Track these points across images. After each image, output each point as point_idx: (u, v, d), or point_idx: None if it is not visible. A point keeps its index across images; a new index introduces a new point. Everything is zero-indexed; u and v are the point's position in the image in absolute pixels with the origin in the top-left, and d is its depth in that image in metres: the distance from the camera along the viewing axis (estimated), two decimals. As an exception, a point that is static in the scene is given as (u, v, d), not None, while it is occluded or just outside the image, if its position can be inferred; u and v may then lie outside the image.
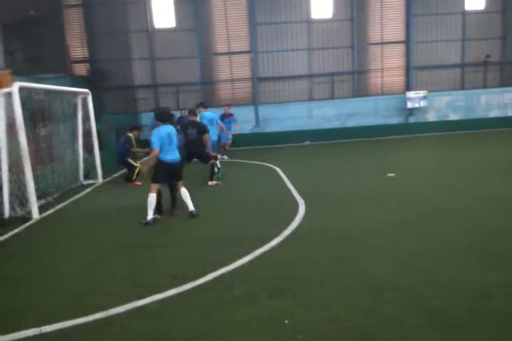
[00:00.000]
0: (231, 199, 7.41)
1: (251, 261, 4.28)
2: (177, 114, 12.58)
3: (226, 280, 3.86)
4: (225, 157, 13.10)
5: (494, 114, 18.16)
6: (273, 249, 4.65)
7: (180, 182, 6.18)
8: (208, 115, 10.04)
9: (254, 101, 17.76)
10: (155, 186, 5.96)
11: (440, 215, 5.64)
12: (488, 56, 17.78)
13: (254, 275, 3.92)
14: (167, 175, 6.01)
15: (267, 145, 16.41)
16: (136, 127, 10.18)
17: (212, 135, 9.57)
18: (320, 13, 17.48)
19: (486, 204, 6.12)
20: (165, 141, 5.83)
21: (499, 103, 18.16)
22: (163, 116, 5.98)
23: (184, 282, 3.83)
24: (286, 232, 5.21)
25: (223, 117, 13.04)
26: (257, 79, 17.62)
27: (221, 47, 17.56)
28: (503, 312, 3.00)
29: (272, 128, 17.48)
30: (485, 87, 18.23)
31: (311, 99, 17.79)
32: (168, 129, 5.94)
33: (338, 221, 5.64)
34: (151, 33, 17.16)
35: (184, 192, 6.13)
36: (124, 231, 5.73)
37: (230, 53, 17.59)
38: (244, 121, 16.94)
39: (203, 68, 17.50)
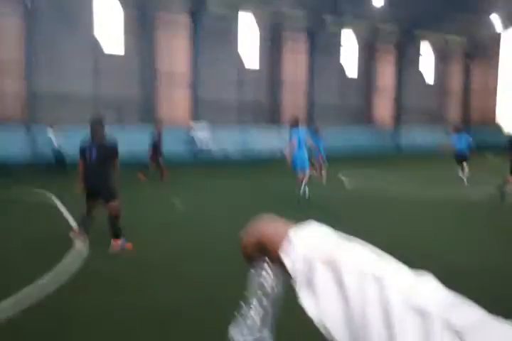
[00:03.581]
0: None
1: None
2: None
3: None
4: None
5: (265, 148, 20.93)
6: (41, 294, 3.95)
7: None
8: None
9: None
10: None
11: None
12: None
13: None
14: None
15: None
16: None
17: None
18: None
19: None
20: None
21: (270, 139, 21.02)
22: None
23: None
24: (56, 275, 4.53)
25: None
26: None
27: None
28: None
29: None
30: (258, 125, 21.04)
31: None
32: None
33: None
34: None
35: None
36: None
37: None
38: None
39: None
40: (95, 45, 17.05)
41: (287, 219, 0.58)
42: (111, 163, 5.49)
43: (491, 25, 24.98)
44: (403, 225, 7.09)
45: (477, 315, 0.40)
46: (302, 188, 8.53)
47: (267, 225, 0.59)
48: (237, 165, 17.75)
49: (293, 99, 22.19)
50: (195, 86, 19.22)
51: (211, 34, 19.07)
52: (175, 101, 19.17)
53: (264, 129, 21.05)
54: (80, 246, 5.55)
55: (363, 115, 24.71)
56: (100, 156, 5.39)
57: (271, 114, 21.75)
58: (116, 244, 5.32)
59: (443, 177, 12.86)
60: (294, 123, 8.70)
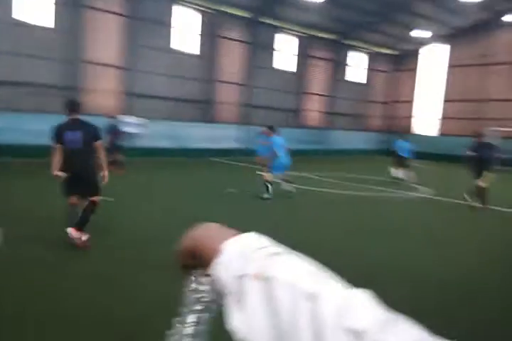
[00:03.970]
0: None
1: None
2: None
3: None
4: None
5: (197, 145, 20.64)
6: None
7: None
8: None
9: None
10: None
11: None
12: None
13: None
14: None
15: None
16: None
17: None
18: (31, 17, 15.64)
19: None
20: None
21: (202, 136, 20.80)
22: None
23: None
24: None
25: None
26: None
27: None
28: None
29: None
30: (191, 120, 20.67)
31: (10, 108, 15.11)
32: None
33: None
34: None
35: None
36: None
37: None
38: None
39: None
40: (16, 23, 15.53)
41: (226, 225, 0.55)
42: (93, 146, 5.06)
43: (412, 41, 27.09)
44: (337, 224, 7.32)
45: (412, 335, 0.38)
46: (285, 187, 9.69)
47: (203, 233, 0.56)
48: (169, 160, 17.33)
49: (228, 98, 22.11)
50: (126, 76, 18.33)
51: (146, 24, 18.37)
52: (103, 91, 18.12)
53: (198, 125, 20.70)
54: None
55: (296, 117, 25.40)
56: (86, 138, 4.98)
57: (206, 111, 21.47)
58: (76, 233, 4.99)
59: (374, 179, 13.68)
60: (272, 131, 9.48)
